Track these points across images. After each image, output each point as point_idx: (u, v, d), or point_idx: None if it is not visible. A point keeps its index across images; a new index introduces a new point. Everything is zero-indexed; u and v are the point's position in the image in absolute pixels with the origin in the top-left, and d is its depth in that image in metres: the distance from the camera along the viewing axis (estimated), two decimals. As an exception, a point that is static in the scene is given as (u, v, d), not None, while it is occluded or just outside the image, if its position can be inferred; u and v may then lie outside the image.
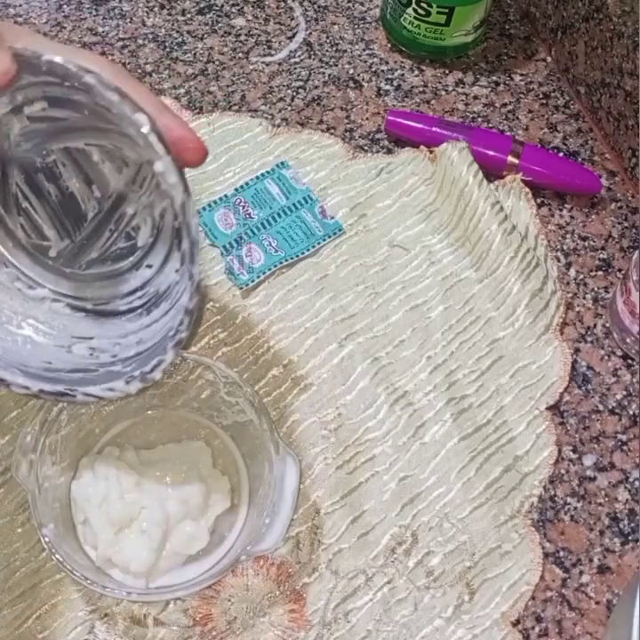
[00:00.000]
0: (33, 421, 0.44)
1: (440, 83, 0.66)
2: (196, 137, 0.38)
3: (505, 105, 0.65)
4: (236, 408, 0.47)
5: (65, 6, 0.69)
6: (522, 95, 0.66)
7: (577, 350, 0.54)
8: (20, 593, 0.45)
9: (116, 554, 0.43)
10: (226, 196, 0.58)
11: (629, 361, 0.54)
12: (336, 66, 0.67)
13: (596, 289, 0.56)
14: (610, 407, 0.52)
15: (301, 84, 0.66)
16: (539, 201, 0.60)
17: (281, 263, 0.55)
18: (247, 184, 0.59)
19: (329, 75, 0.66)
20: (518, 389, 0.52)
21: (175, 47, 0.67)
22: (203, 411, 0.49)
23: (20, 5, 0.69)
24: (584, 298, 0.56)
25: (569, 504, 0.49)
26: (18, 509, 0.47)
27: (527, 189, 0.59)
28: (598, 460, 0.50)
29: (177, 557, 0.44)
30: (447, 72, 0.67)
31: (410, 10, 0.64)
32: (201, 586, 0.43)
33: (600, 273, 0.57)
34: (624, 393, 0.53)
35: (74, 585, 0.45)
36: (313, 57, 0.67)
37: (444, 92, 0.66)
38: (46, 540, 0.41)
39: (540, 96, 0.66)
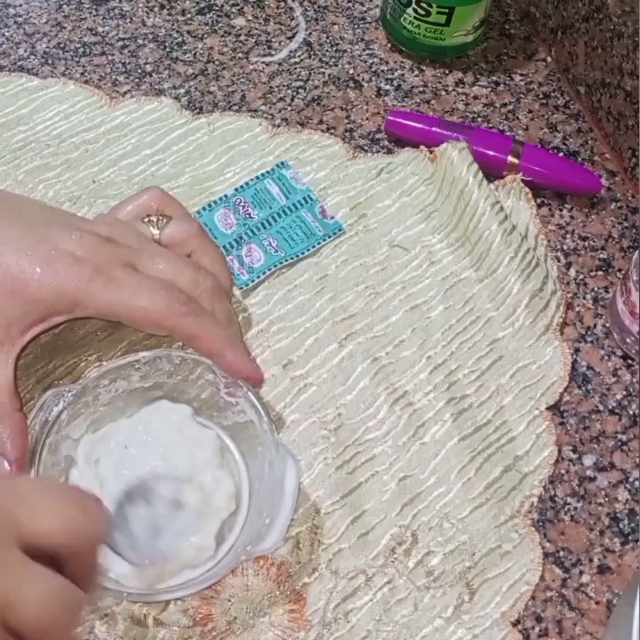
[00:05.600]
0: (33, 422, 0.44)
1: (440, 83, 0.66)
2: (257, 373, 0.48)
3: (505, 105, 0.65)
4: (237, 408, 0.47)
5: (65, 6, 0.69)
6: (522, 95, 0.66)
7: (577, 350, 0.54)
8: (19, 593, 0.45)
9: (118, 567, 0.43)
10: (226, 196, 0.58)
11: (629, 361, 0.54)
12: (336, 66, 0.67)
13: (595, 289, 0.56)
14: (610, 407, 0.52)
15: (301, 84, 0.66)
16: (539, 201, 0.60)
17: (281, 263, 0.55)
18: (247, 184, 0.59)
19: (329, 75, 0.66)
20: (518, 389, 0.52)
21: (175, 47, 0.67)
22: (203, 411, 0.49)
23: (20, 5, 0.69)
24: (584, 298, 0.56)
25: (569, 504, 0.49)
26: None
27: (527, 189, 0.59)
28: (598, 460, 0.50)
29: (182, 567, 0.44)
30: (447, 72, 0.67)
31: (410, 10, 0.64)
32: (201, 586, 0.42)
33: (600, 273, 0.57)
34: (624, 393, 0.53)
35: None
36: (313, 57, 0.67)
37: (443, 92, 0.66)
38: None
39: (540, 96, 0.66)
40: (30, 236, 0.43)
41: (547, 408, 0.51)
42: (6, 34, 0.67)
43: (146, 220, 0.48)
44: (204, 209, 0.57)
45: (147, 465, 0.45)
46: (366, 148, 0.62)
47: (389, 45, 0.68)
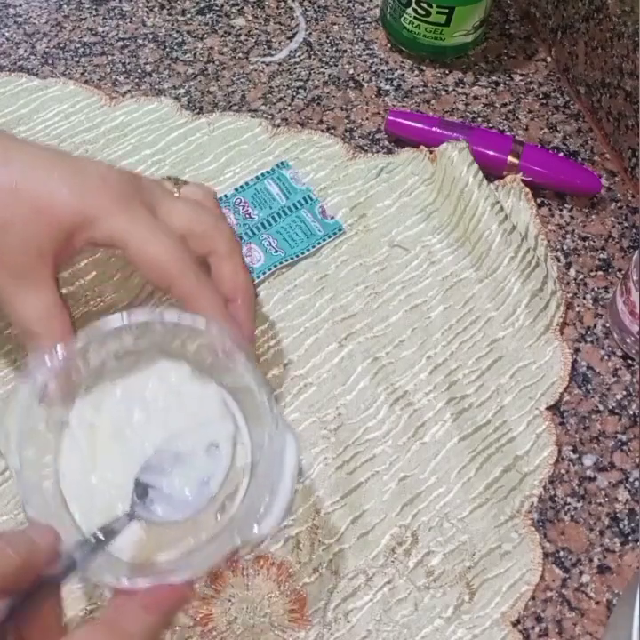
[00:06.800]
0: (22, 387, 0.41)
1: (440, 83, 0.66)
2: (252, 332, 0.47)
3: (505, 105, 0.65)
4: (235, 372, 0.43)
5: (65, 6, 0.69)
6: (522, 95, 0.66)
7: (577, 350, 0.54)
8: (19, 593, 0.45)
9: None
10: (226, 196, 0.58)
11: (629, 361, 0.54)
12: (336, 66, 0.67)
13: (595, 289, 0.56)
14: (610, 407, 0.52)
15: (301, 84, 0.66)
16: (539, 201, 0.60)
17: (281, 263, 0.55)
18: (247, 184, 0.59)
19: (329, 75, 0.66)
20: (518, 389, 0.52)
21: (175, 47, 0.67)
22: (202, 372, 0.45)
23: (20, 5, 0.69)
24: (584, 298, 0.56)
25: (569, 504, 0.49)
26: (17, 508, 0.47)
27: (527, 189, 0.59)
28: (598, 460, 0.50)
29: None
30: (447, 72, 0.67)
31: (410, 10, 0.64)
32: (197, 568, 0.39)
33: (600, 273, 0.57)
34: (624, 393, 0.53)
35: (74, 584, 0.45)
36: (313, 57, 0.67)
37: (443, 92, 0.66)
38: (30, 514, 0.38)
39: (540, 96, 0.66)
40: (62, 160, 0.44)
41: (547, 408, 0.51)
42: (6, 34, 0.67)
43: (166, 177, 0.49)
44: (204, 209, 0.57)
45: (149, 427, 0.42)
46: (366, 148, 0.62)
47: (389, 45, 0.68)
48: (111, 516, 0.40)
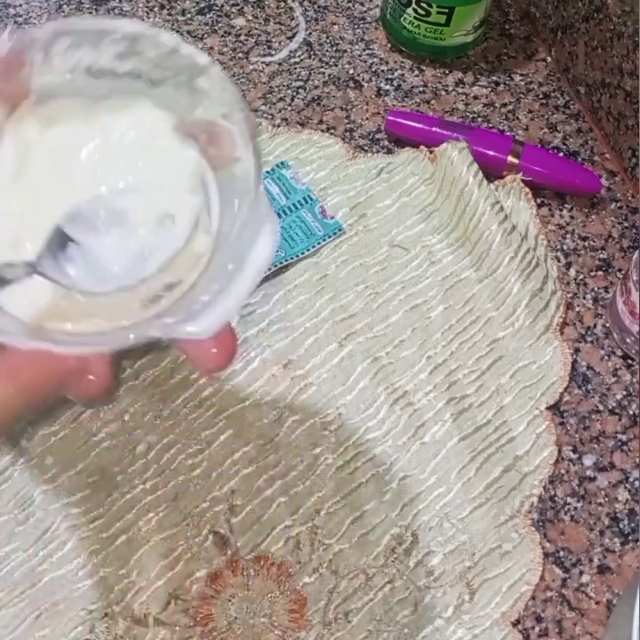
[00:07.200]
0: None
1: (440, 83, 0.66)
2: None
3: (505, 105, 0.65)
4: (229, 139, 0.33)
5: (65, 6, 0.69)
6: (522, 95, 0.66)
7: (577, 350, 0.54)
8: (19, 592, 0.45)
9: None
10: (226, 195, 0.58)
11: (629, 361, 0.54)
12: (336, 66, 0.67)
13: (595, 289, 0.56)
14: (610, 407, 0.52)
15: (301, 84, 0.66)
16: (539, 201, 0.60)
17: (281, 263, 0.55)
18: (247, 184, 0.59)
19: (329, 75, 0.66)
20: (518, 389, 0.52)
21: (175, 47, 0.67)
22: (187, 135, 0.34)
23: (20, 5, 0.69)
24: (584, 298, 0.56)
25: (569, 504, 0.49)
26: (17, 508, 0.47)
27: (527, 189, 0.59)
28: (598, 460, 0.50)
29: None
30: (447, 72, 0.67)
31: (410, 10, 0.64)
32: (91, 346, 0.31)
33: (600, 273, 0.57)
34: (624, 393, 0.53)
35: (74, 583, 0.45)
36: (313, 57, 0.67)
37: (443, 92, 0.66)
38: None
39: (540, 96, 0.66)
40: None
41: (547, 408, 0.51)
42: (6, 34, 0.67)
43: None
44: (204, 209, 0.57)
45: (99, 169, 0.33)
46: (366, 148, 0.62)
47: (389, 45, 0.68)
48: (10, 256, 0.32)
